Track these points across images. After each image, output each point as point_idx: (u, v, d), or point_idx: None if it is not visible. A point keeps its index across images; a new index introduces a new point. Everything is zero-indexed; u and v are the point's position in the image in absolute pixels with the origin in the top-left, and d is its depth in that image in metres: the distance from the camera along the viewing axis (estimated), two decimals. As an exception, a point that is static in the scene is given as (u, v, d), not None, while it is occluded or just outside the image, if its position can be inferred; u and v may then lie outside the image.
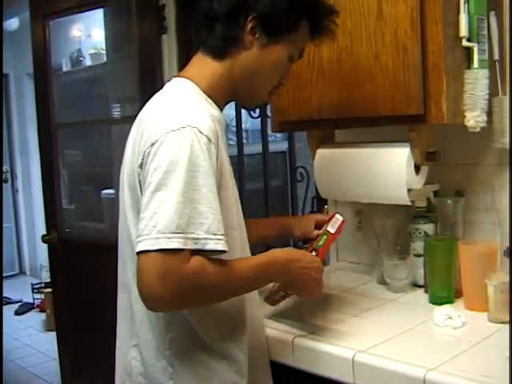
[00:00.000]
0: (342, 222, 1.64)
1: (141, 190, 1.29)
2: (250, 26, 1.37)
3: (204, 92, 1.38)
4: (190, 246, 1.18)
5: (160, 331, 1.34)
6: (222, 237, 1.22)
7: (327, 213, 2.31)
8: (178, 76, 1.44)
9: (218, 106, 1.41)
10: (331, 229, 1.61)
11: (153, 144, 1.24)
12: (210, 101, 1.39)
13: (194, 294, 1.22)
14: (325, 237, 1.60)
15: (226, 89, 1.42)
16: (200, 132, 1.24)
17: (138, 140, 1.32)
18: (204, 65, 1.42)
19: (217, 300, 1.32)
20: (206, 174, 1.22)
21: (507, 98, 1.73)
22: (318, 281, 1.47)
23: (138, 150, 1.30)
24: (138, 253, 1.19)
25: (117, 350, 1.50)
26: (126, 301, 1.43)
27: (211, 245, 1.20)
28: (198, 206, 1.20)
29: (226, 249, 1.23)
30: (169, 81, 1.45)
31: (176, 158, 1.21)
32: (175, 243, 1.17)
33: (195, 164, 1.21)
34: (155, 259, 1.17)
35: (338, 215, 1.65)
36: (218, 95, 1.41)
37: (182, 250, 1.17)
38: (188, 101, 1.34)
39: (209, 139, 1.25)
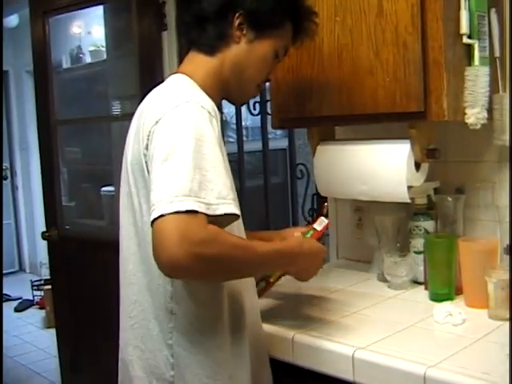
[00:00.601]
0: (327, 223, 1.66)
1: (148, 171, 1.30)
2: (237, 22, 1.44)
3: (199, 86, 1.41)
4: (204, 210, 1.18)
5: (162, 320, 1.35)
6: (232, 201, 1.23)
7: (327, 210, 2.31)
8: (173, 73, 1.48)
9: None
10: (317, 226, 1.64)
11: (157, 122, 1.28)
12: (204, 93, 1.41)
13: (212, 261, 1.19)
14: (311, 231, 1.63)
15: (218, 85, 1.47)
16: (202, 107, 1.28)
17: (141, 126, 1.34)
18: (197, 61, 1.47)
19: (232, 274, 1.31)
20: (211, 144, 1.25)
21: (507, 95, 1.73)
22: (319, 267, 1.52)
23: (142, 134, 1.33)
24: (153, 221, 1.17)
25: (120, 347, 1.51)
26: (128, 295, 1.44)
27: (223, 209, 1.21)
28: (206, 173, 1.21)
29: (237, 212, 1.24)
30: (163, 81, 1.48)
31: (182, 129, 1.24)
32: (190, 204, 1.16)
33: (200, 134, 1.24)
34: (171, 222, 1.15)
35: (322, 217, 1.68)
36: (211, 90, 1.43)
37: (198, 213, 1.17)
38: (185, 86, 1.39)
39: (209, 113, 1.29)
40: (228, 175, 1.31)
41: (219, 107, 1.49)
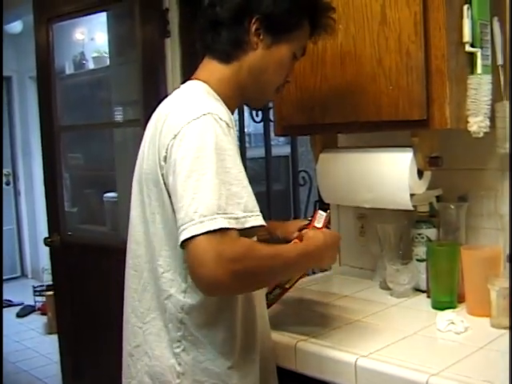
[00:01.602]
0: (327, 216, 1.64)
1: (165, 183, 1.30)
2: (254, 27, 1.41)
3: (215, 92, 1.41)
4: (233, 225, 1.20)
5: (172, 329, 1.35)
6: (258, 213, 1.25)
7: (329, 218, 2.31)
8: (190, 79, 1.47)
9: (229, 109, 1.43)
10: (318, 224, 1.62)
11: (175, 135, 1.27)
12: (221, 101, 1.40)
13: (249, 275, 1.23)
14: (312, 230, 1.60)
15: (235, 91, 1.45)
16: (220, 118, 1.28)
17: (158, 135, 1.33)
18: (212, 69, 1.45)
19: (267, 283, 1.41)
20: (232, 156, 1.25)
21: (507, 103, 1.73)
22: (337, 253, 1.55)
23: (159, 144, 1.32)
24: (184, 241, 1.19)
25: (124, 353, 1.51)
26: (138, 300, 1.43)
27: (251, 222, 1.23)
28: (231, 187, 1.22)
29: (264, 223, 1.26)
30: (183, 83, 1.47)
31: (202, 143, 1.23)
32: (220, 223, 1.18)
33: (221, 148, 1.24)
34: (205, 242, 1.17)
35: (320, 211, 1.65)
36: (228, 96, 1.43)
37: (228, 229, 1.19)
38: (203, 94, 1.37)
39: (227, 124, 1.29)
40: None
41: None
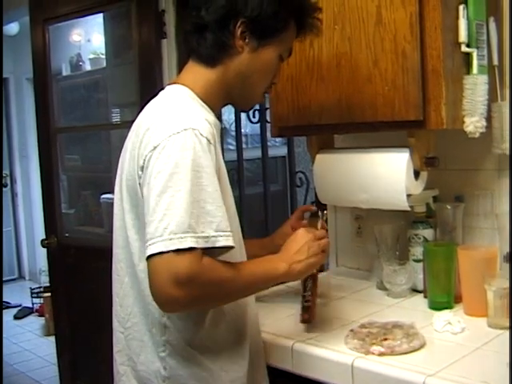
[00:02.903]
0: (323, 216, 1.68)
1: (142, 193, 1.30)
2: (239, 31, 1.39)
3: (199, 97, 1.40)
4: (202, 244, 1.20)
5: (156, 333, 1.35)
6: (230, 233, 1.25)
7: (326, 218, 2.31)
8: (172, 83, 1.46)
9: (213, 111, 1.43)
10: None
11: (155, 147, 1.25)
12: (206, 106, 1.40)
13: (206, 293, 1.24)
14: None
15: (221, 94, 1.44)
16: (201, 134, 1.26)
17: (138, 145, 1.32)
18: (197, 72, 1.43)
19: (226, 299, 1.34)
20: (209, 174, 1.24)
21: (507, 103, 1.73)
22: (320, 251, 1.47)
23: (138, 154, 1.31)
24: (150, 255, 1.19)
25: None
26: (124, 306, 1.44)
27: (222, 242, 1.23)
28: (206, 205, 1.22)
29: (233, 244, 1.26)
30: (163, 89, 1.46)
31: (180, 159, 1.22)
32: (188, 242, 1.18)
33: (199, 165, 1.23)
34: (169, 260, 1.17)
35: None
36: (213, 100, 1.43)
37: (195, 248, 1.19)
38: (185, 105, 1.36)
39: (208, 141, 1.27)
40: (231, 199, 1.35)
41: (219, 116, 1.49)
